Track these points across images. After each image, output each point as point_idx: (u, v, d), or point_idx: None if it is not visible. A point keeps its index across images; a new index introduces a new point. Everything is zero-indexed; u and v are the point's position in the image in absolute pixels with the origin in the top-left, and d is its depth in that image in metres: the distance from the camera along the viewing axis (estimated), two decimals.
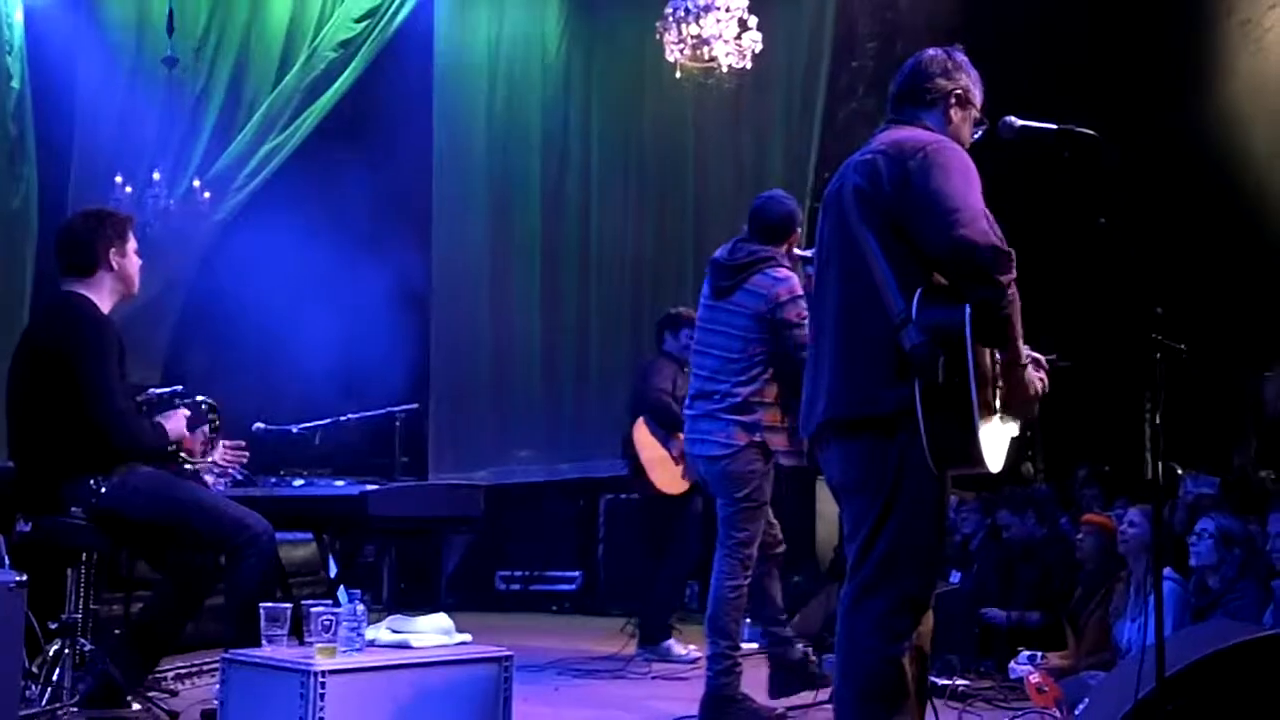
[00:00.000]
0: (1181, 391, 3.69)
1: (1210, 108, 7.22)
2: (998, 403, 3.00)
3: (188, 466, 4.28)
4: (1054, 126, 3.29)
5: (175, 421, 4.23)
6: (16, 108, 8.51)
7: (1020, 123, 3.27)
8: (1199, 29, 7.33)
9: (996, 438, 2.98)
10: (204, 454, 4.33)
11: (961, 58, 3.29)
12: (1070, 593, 5.73)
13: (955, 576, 6.56)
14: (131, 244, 4.30)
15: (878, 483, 2.99)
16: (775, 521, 4.95)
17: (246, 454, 4.53)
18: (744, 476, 4.70)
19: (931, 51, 3.29)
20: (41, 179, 8.62)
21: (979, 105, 3.29)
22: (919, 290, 2.91)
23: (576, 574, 9.06)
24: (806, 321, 4.59)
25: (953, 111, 3.22)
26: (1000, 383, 3.05)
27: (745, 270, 4.72)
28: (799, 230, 4.93)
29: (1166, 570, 4.85)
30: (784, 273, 4.72)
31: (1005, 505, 6.49)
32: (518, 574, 9.11)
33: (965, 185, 2.96)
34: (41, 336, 4.21)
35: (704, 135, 9.40)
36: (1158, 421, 3.49)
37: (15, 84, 8.50)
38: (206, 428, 4.38)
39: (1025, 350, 3.08)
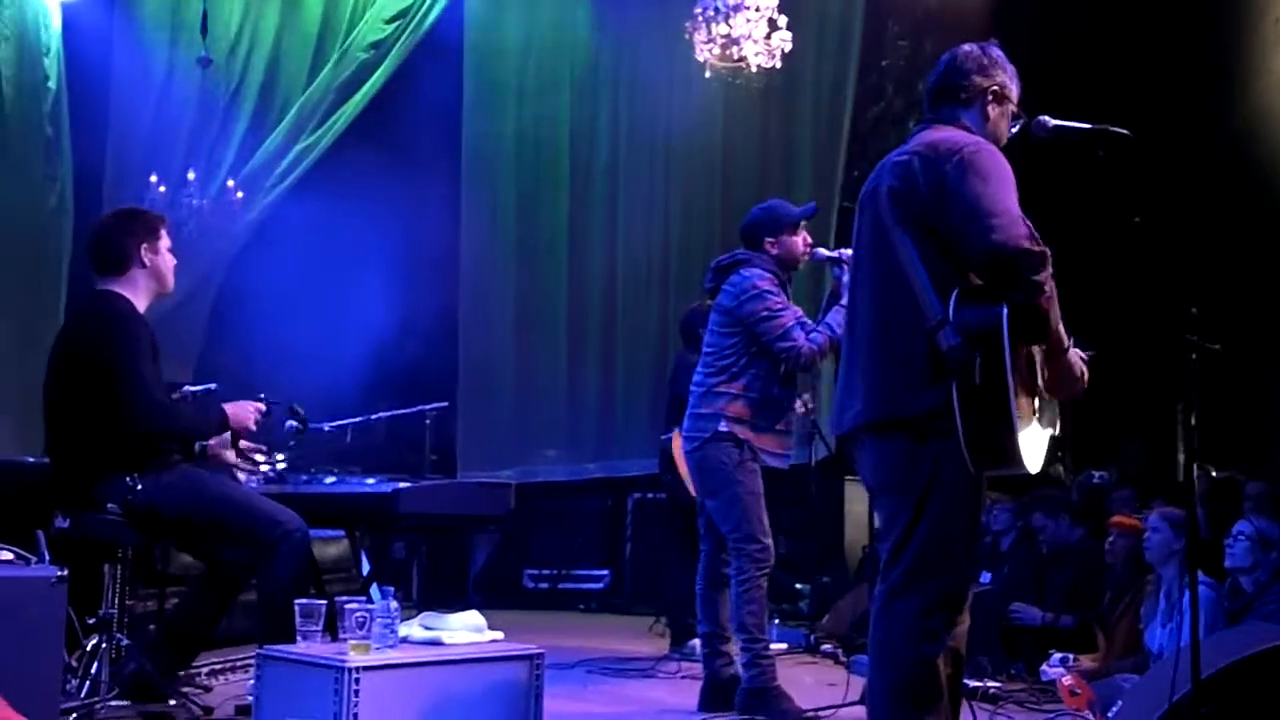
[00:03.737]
0: (1217, 392, 3.67)
1: (1245, 107, 7.17)
2: (1036, 403, 3.00)
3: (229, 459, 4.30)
4: (1088, 126, 3.28)
5: (241, 410, 4.25)
6: (53, 109, 8.60)
7: (1054, 122, 3.27)
8: (1234, 28, 7.27)
9: (1035, 439, 2.98)
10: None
11: (997, 53, 3.28)
12: (1101, 595, 5.70)
13: (985, 577, 6.53)
14: (164, 242, 4.34)
15: (911, 483, 2.98)
16: (768, 539, 4.88)
17: (264, 460, 4.55)
18: (714, 468, 4.81)
19: (967, 47, 3.28)
20: (77, 179, 8.70)
21: (1016, 100, 3.28)
22: (955, 291, 2.91)
23: (604, 573, 9.08)
24: (776, 315, 4.72)
25: (990, 108, 3.21)
26: (1042, 377, 3.05)
27: (726, 271, 4.99)
28: (788, 232, 4.98)
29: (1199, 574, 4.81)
30: (754, 271, 4.90)
31: (1039, 507, 6.46)
32: (545, 572, 9.13)
33: (1001, 189, 2.94)
34: (76, 334, 4.26)
35: (733, 135, 9.40)
36: (1192, 423, 3.48)
37: (52, 84, 8.59)
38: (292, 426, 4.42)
39: (1067, 338, 3.07)
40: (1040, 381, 3.05)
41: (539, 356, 9.47)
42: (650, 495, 8.71)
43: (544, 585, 9.13)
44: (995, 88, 3.21)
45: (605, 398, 9.47)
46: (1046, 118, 3.27)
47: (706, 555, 5.11)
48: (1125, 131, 3.29)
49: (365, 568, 5.66)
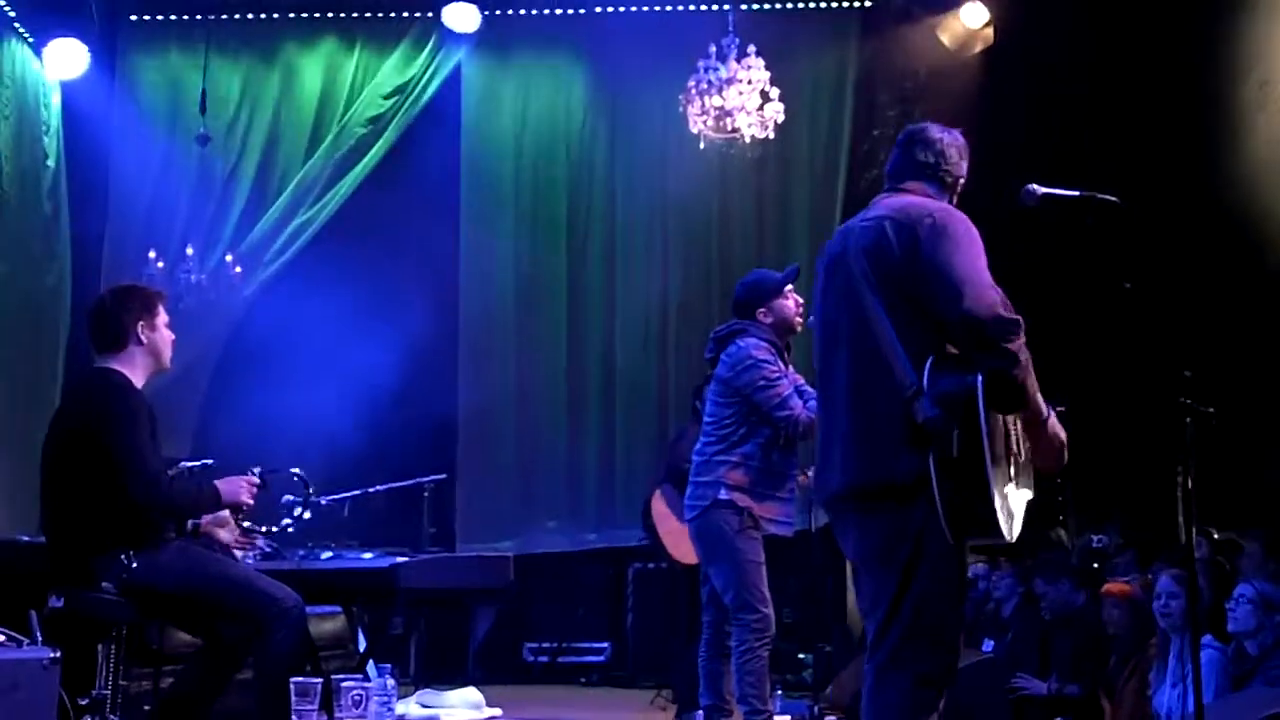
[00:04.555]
0: (1213, 455, 3.68)
1: (1231, 169, 7.23)
2: (1012, 468, 2.99)
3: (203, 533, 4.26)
4: (1076, 193, 3.31)
5: (233, 486, 4.22)
6: (52, 186, 8.70)
7: (1043, 190, 3.30)
8: (1218, 92, 7.35)
9: (1013, 505, 2.96)
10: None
11: (959, 138, 3.33)
12: (1106, 660, 5.65)
13: (988, 645, 6.48)
14: (161, 318, 4.31)
15: (896, 553, 2.96)
16: (768, 609, 4.85)
17: (258, 542, 4.50)
18: (715, 536, 4.81)
19: (927, 125, 3.33)
20: (75, 256, 8.77)
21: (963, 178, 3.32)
22: (929, 361, 2.90)
23: (605, 645, 8.99)
24: (773, 384, 4.75)
25: (947, 179, 3.25)
26: (1020, 446, 3.04)
27: (725, 341, 5.03)
28: (777, 297, 5.02)
29: (1206, 637, 4.79)
30: (749, 340, 4.94)
31: (1040, 573, 6.42)
32: (546, 645, 9.04)
33: (972, 255, 2.95)
34: (73, 411, 4.26)
35: (728, 204, 9.46)
36: (1190, 485, 3.48)
37: (51, 162, 8.69)
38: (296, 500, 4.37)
39: (1046, 408, 3.05)
40: (1016, 446, 3.04)
41: (538, 427, 9.45)
42: (651, 565, 8.66)
43: (544, 659, 9.03)
44: (954, 171, 3.26)
45: (604, 467, 9.44)
46: (1035, 186, 3.30)
47: (710, 625, 5.08)
48: (1113, 198, 3.32)
49: (362, 644, 5.61)
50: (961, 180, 3.27)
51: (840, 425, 3.09)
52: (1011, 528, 2.93)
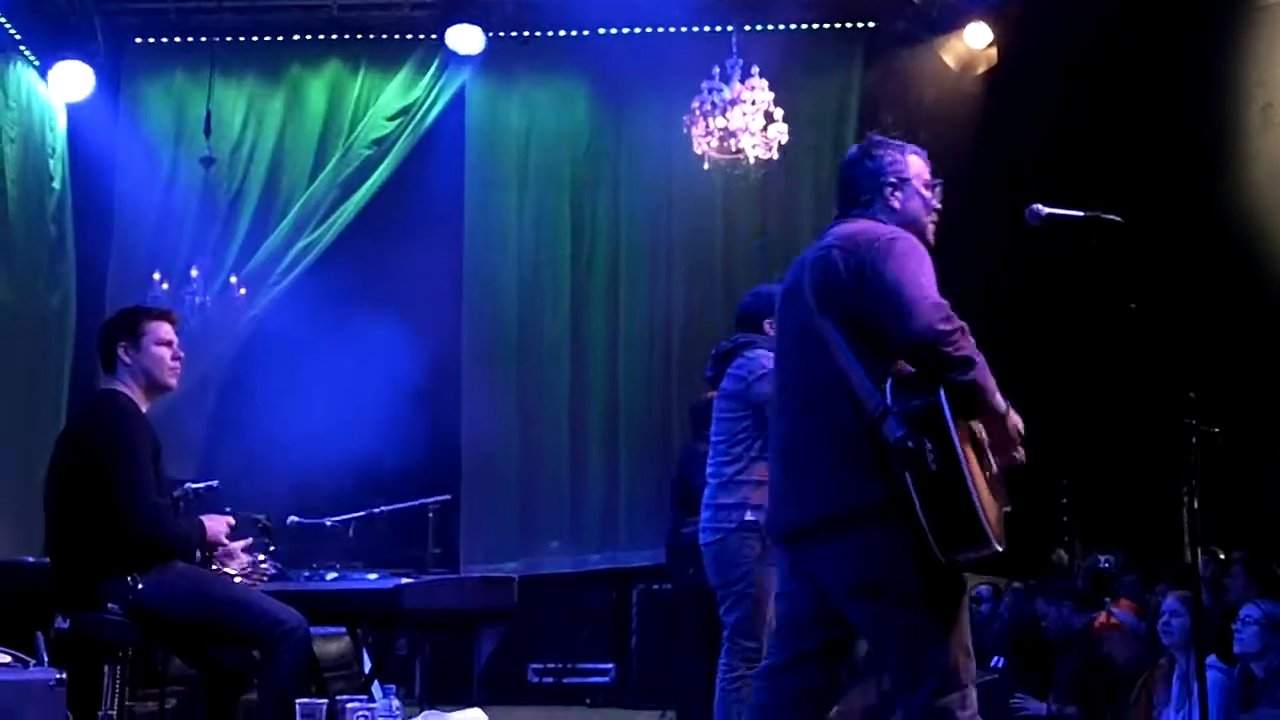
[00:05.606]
0: (1218, 475, 3.67)
1: (1235, 192, 7.24)
2: (989, 483, 2.98)
3: (214, 568, 4.27)
4: (1080, 213, 3.32)
5: (215, 524, 4.23)
6: (57, 209, 8.73)
7: (1047, 210, 3.31)
8: (1222, 115, 7.37)
9: (995, 515, 2.94)
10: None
11: (878, 140, 3.29)
12: (1110, 683, 5.63)
13: (998, 661, 6.45)
14: (149, 337, 4.22)
15: (882, 585, 2.93)
16: (762, 641, 4.70)
17: (261, 570, 4.49)
18: (734, 561, 4.72)
19: (852, 153, 3.30)
20: (80, 279, 8.79)
21: (923, 173, 3.26)
22: (889, 381, 2.91)
23: (610, 666, 8.97)
24: None
25: (894, 200, 3.21)
26: (992, 460, 3.04)
27: (728, 358, 4.94)
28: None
29: (1211, 659, 4.77)
30: (760, 352, 4.85)
31: (1041, 594, 6.41)
32: (551, 666, 9.02)
33: (917, 275, 2.94)
34: (78, 434, 4.25)
35: (732, 224, 9.49)
36: (1195, 506, 3.48)
37: (56, 185, 8.72)
38: (249, 545, 4.37)
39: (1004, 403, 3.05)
40: (987, 461, 3.04)
41: (541, 448, 9.45)
42: (655, 586, 8.64)
43: (549, 680, 9.00)
44: (890, 180, 3.21)
45: (609, 488, 9.44)
46: (1039, 206, 3.31)
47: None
48: (1117, 218, 3.33)
49: (367, 665, 5.61)
50: (889, 182, 3.20)
51: (802, 457, 3.07)
52: (999, 536, 2.91)
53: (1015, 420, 3.09)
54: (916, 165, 3.25)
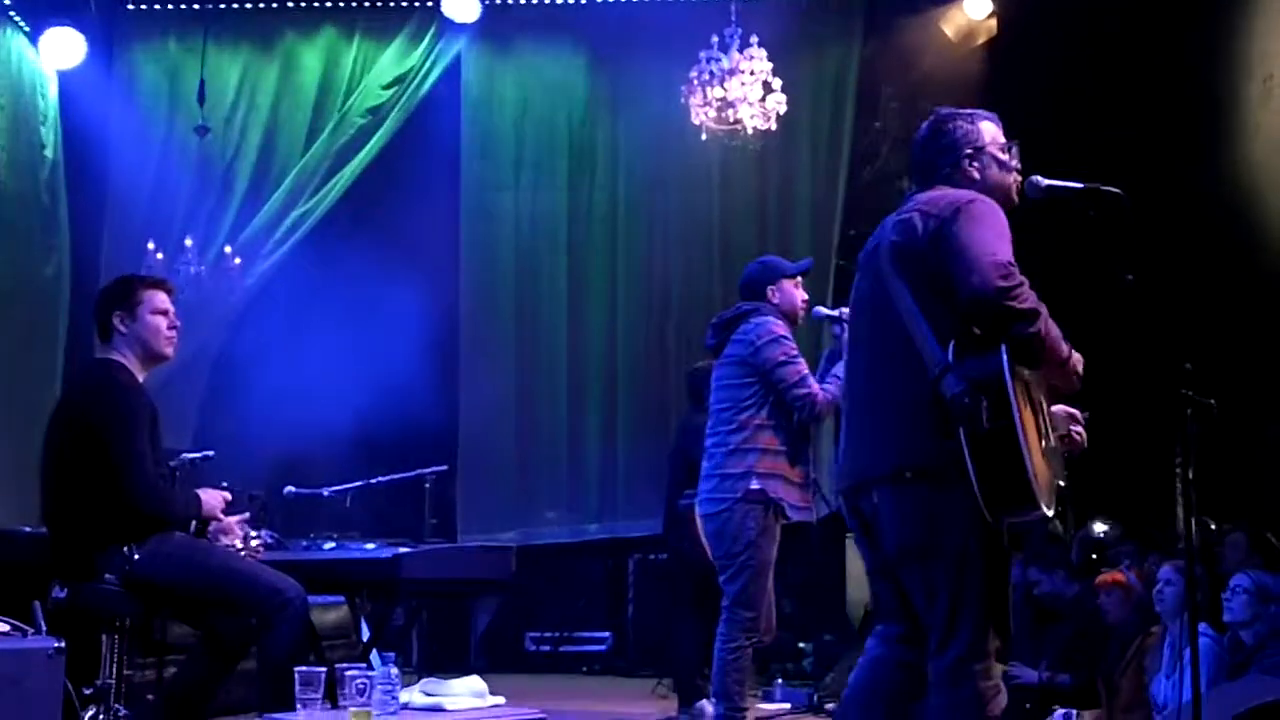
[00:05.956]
0: (1213, 446, 3.69)
1: (1234, 165, 7.22)
2: (1045, 450, 3.00)
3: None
4: (1080, 185, 3.32)
5: (212, 498, 4.24)
6: (50, 177, 8.67)
7: (1047, 182, 3.30)
8: (1224, 88, 7.35)
9: (1047, 482, 2.96)
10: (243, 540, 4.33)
11: (946, 113, 3.30)
12: (1101, 651, 5.67)
13: None
14: (145, 306, 4.20)
15: (941, 544, 2.96)
16: (760, 612, 4.82)
17: (254, 548, 4.50)
18: (738, 533, 4.74)
19: (921, 132, 3.30)
20: (74, 248, 8.75)
21: (998, 137, 3.27)
22: (953, 340, 2.93)
23: (606, 635, 9.02)
24: (793, 360, 4.70)
25: (973, 170, 3.22)
26: (1050, 430, 3.08)
27: (732, 325, 4.94)
28: (784, 280, 5.00)
29: (1201, 626, 4.81)
30: (766, 318, 4.87)
31: (1035, 562, 6.44)
32: (548, 635, 9.07)
33: (989, 235, 2.96)
34: (74, 404, 4.25)
35: (729, 194, 9.47)
36: (1190, 477, 3.49)
37: (49, 153, 8.66)
38: (247, 518, 4.38)
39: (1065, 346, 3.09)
40: (1045, 429, 3.06)
41: (539, 418, 9.47)
42: (652, 556, 8.67)
43: (546, 648, 9.06)
44: (966, 151, 3.22)
45: (606, 459, 9.46)
46: (1039, 177, 3.31)
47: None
48: (1117, 190, 3.33)
49: (365, 634, 5.63)
50: (968, 152, 3.21)
51: (870, 410, 3.12)
52: (1049, 502, 2.93)
53: (1076, 362, 3.13)
54: (990, 130, 3.27)
